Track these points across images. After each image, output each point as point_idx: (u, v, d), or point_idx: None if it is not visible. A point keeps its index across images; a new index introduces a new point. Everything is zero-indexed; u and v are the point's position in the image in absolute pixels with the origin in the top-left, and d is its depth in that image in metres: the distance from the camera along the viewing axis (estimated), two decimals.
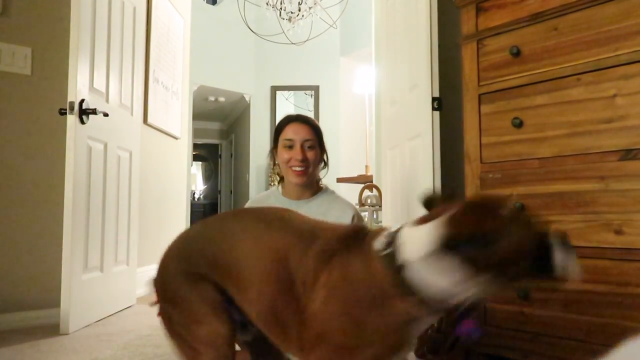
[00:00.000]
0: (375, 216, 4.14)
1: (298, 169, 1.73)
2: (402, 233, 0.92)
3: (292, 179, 1.76)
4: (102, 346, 2.10)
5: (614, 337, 1.45)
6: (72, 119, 2.34)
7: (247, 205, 1.88)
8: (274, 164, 1.88)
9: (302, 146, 1.73)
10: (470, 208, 0.88)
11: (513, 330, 1.67)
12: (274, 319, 0.96)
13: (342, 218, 1.76)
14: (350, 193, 4.74)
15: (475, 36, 1.81)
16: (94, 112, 2.41)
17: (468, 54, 1.83)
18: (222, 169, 11.16)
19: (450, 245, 0.82)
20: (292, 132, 1.74)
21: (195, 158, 11.91)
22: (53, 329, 2.37)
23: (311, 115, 7.70)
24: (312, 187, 1.83)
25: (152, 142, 3.73)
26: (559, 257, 0.86)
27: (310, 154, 1.73)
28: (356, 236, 0.97)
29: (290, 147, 1.74)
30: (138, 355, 1.94)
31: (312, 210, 1.78)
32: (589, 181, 1.51)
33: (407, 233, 0.91)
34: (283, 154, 1.76)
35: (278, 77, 7.94)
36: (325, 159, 1.87)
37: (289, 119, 1.80)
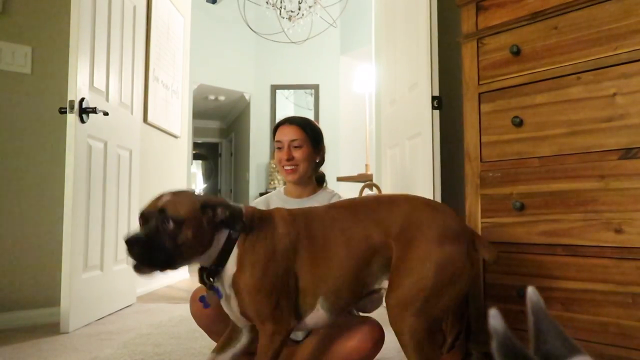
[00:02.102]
0: None
1: (288, 167, 1.81)
2: None
3: (285, 176, 1.84)
4: (102, 345, 2.10)
5: (614, 336, 1.45)
6: (72, 118, 2.34)
7: (252, 205, 1.90)
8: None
9: (289, 146, 1.80)
10: None
11: (513, 329, 1.67)
12: None
13: None
14: (350, 192, 4.74)
15: (475, 35, 1.81)
16: (94, 111, 2.41)
17: (468, 52, 1.83)
18: (222, 168, 11.15)
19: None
20: (281, 134, 1.83)
21: (195, 157, 11.91)
22: (53, 328, 2.37)
23: (311, 114, 7.70)
24: (311, 185, 1.87)
25: (152, 140, 3.73)
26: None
27: (297, 153, 1.80)
28: None
29: (280, 148, 1.83)
30: (138, 354, 1.95)
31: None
32: (589, 180, 1.51)
33: None
34: (277, 155, 1.86)
35: (278, 76, 7.94)
36: (323, 156, 1.90)
37: (280, 123, 1.89)
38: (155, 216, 1.18)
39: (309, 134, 1.83)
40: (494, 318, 0.45)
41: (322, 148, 1.89)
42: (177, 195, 1.23)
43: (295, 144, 1.80)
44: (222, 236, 1.26)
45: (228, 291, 1.28)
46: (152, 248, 1.15)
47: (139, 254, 1.15)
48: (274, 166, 7.82)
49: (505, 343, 0.45)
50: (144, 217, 1.21)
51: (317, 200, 1.83)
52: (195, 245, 1.21)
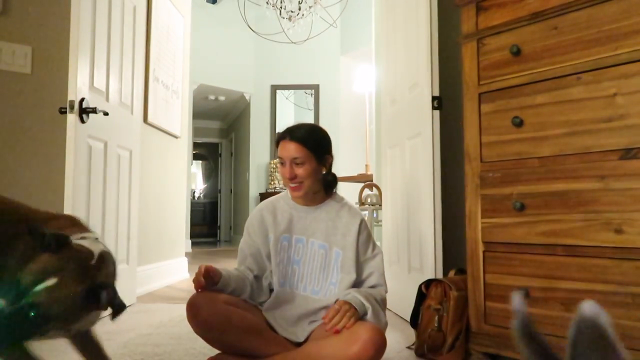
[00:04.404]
0: (375, 215, 4.14)
1: (292, 185, 1.74)
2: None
3: (291, 193, 1.78)
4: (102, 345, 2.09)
5: None
6: (72, 118, 2.34)
7: (258, 208, 1.88)
8: None
9: (290, 164, 1.72)
10: None
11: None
12: None
13: (350, 224, 1.77)
14: (351, 192, 4.74)
15: (475, 35, 1.81)
16: (94, 111, 2.41)
17: (468, 53, 1.83)
18: (222, 168, 11.16)
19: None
20: (282, 150, 1.74)
21: (195, 157, 11.91)
22: None
23: (311, 114, 7.70)
24: (320, 194, 1.81)
25: (152, 141, 3.73)
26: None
27: (299, 171, 1.71)
28: None
29: (282, 164, 1.74)
30: (138, 354, 1.94)
31: (321, 216, 1.78)
32: (589, 180, 1.51)
33: None
34: (280, 170, 1.77)
35: (278, 76, 7.94)
36: (329, 165, 1.82)
37: (281, 136, 1.77)
38: None
39: (311, 149, 1.72)
40: (517, 299, 0.46)
41: (327, 158, 1.79)
42: None
43: (297, 161, 1.70)
44: None
45: None
46: None
47: None
48: (274, 166, 7.82)
49: (526, 324, 0.46)
50: None
51: (325, 210, 1.80)
52: None
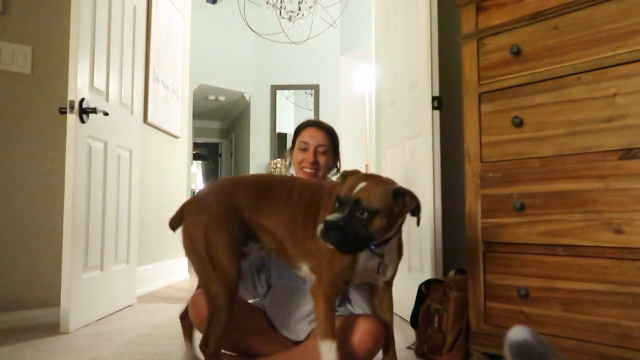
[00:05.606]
0: None
1: (308, 170, 1.80)
2: None
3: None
4: (102, 345, 2.10)
5: (614, 336, 1.45)
6: (72, 118, 2.34)
7: None
8: (290, 164, 1.95)
9: (315, 150, 1.80)
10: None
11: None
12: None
13: None
14: None
15: (475, 35, 1.81)
16: (94, 111, 2.41)
17: (468, 53, 1.84)
18: (222, 168, 11.16)
19: None
20: (308, 136, 1.82)
21: (196, 157, 11.91)
22: (53, 328, 2.37)
23: (311, 114, 7.70)
24: None
25: (152, 141, 3.73)
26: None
27: (322, 159, 1.80)
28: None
29: (305, 149, 1.81)
30: (138, 354, 1.95)
31: None
32: (589, 180, 1.52)
33: None
34: (298, 155, 1.83)
35: (278, 76, 7.93)
36: (338, 166, 1.91)
37: (308, 123, 1.87)
38: (350, 204, 1.24)
39: (333, 142, 1.84)
40: (514, 331, 0.46)
41: (338, 156, 1.90)
42: (372, 184, 1.28)
43: (322, 149, 1.80)
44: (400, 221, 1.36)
45: (387, 261, 1.43)
46: (346, 234, 1.22)
47: (335, 239, 1.22)
48: (274, 166, 7.82)
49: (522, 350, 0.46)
50: (341, 201, 1.27)
51: None
52: (384, 232, 1.30)
